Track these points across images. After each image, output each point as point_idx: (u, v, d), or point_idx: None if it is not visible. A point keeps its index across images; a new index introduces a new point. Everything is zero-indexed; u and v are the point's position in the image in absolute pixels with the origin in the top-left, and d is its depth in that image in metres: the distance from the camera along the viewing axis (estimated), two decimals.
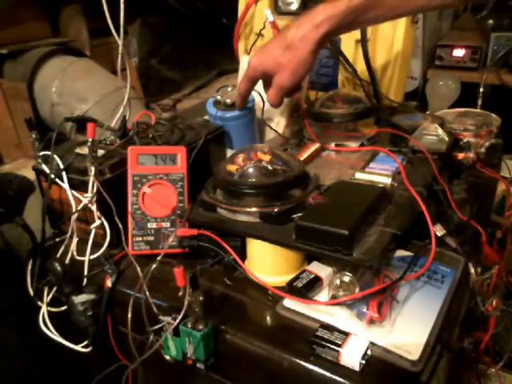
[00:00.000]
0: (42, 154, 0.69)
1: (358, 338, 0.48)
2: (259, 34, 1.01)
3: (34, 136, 0.71)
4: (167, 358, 0.57)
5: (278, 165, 0.63)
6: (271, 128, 0.89)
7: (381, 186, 0.62)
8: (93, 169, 0.64)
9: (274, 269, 0.59)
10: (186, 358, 0.54)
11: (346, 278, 0.52)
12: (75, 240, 0.68)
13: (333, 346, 0.47)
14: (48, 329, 0.64)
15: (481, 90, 1.57)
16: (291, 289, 0.54)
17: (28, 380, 0.81)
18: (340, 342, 0.48)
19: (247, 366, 0.54)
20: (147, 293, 0.55)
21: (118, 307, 0.62)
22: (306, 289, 0.54)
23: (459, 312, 0.61)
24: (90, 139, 0.66)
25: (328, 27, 0.64)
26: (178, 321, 0.52)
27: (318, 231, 0.53)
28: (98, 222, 0.65)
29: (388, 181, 0.63)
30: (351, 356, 0.47)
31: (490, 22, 1.72)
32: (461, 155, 0.76)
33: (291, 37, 0.66)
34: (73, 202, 0.66)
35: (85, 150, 0.67)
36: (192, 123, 0.82)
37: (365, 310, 0.50)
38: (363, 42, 0.94)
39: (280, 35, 0.69)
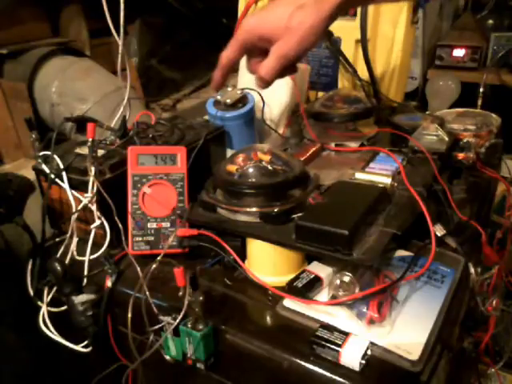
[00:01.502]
0: (42, 154, 0.69)
1: (357, 338, 0.48)
2: None
3: (33, 136, 0.71)
4: (167, 358, 0.57)
5: (278, 165, 0.63)
6: (271, 128, 0.89)
7: (381, 186, 0.62)
8: (93, 169, 0.64)
9: (274, 269, 0.59)
10: (186, 357, 0.54)
11: (346, 278, 0.52)
12: (75, 240, 0.68)
13: (333, 346, 0.47)
14: (48, 329, 0.64)
15: (481, 90, 1.57)
16: (291, 289, 0.54)
17: (28, 380, 0.81)
18: (340, 342, 0.48)
19: (247, 366, 0.54)
20: (147, 293, 0.55)
21: (118, 307, 0.62)
22: (306, 289, 0.54)
23: (459, 312, 0.61)
24: (90, 139, 0.66)
25: None
26: (178, 321, 0.52)
27: (317, 231, 0.53)
28: (97, 222, 0.65)
29: (388, 181, 0.63)
30: (351, 356, 0.47)
31: (490, 21, 1.72)
32: (461, 155, 0.76)
33: None
34: (73, 202, 0.66)
35: (85, 150, 0.67)
36: (192, 123, 0.82)
37: (365, 310, 0.50)
38: (363, 42, 0.94)
39: None
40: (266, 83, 0.56)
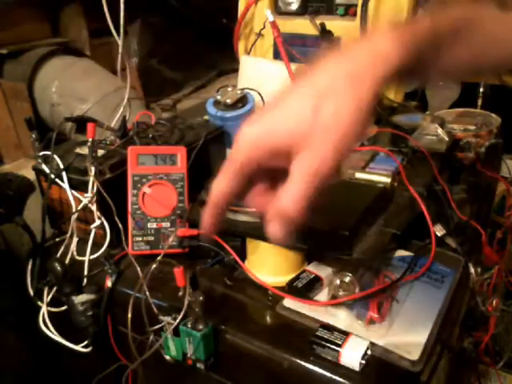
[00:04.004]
0: (41, 154, 0.69)
1: (357, 338, 0.48)
2: (259, 34, 1.01)
3: (33, 136, 0.71)
4: (167, 358, 0.57)
5: None
6: None
7: (381, 185, 0.62)
8: (93, 169, 0.64)
9: (274, 269, 0.59)
10: (186, 357, 0.54)
11: (346, 278, 0.52)
12: (75, 240, 0.68)
13: (333, 346, 0.47)
14: (48, 329, 0.64)
15: (481, 90, 1.56)
16: (291, 289, 0.54)
17: (28, 380, 0.81)
18: (340, 342, 0.47)
19: (247, 366, 0.54)
20: (147, 293, 0.55)
21: (118, 307, 0.62)
22: (305, 289, 0.54)
23: (459, 312, 0.61)
24: (90, 139, 0.66)
25: (401, 54, 0.34)
26: (177, 321, 0.52)
27: (318, 231, 0.53)
28: (97, 222, 0.65)
29: (388, 181, 0.63)
30: (351, 356, 0.47)
31: None
32: (461, 155, 0.76)
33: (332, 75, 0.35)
34: (73, 202, 0.66)
35: (85, 150, 0.67)
36: (192, 123, 0.82)
37: (365, 310, 0.50)
38: None
39: (304, 77, 0.35)
40: (291, 222, 0.33)
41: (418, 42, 0.35)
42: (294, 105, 0.35)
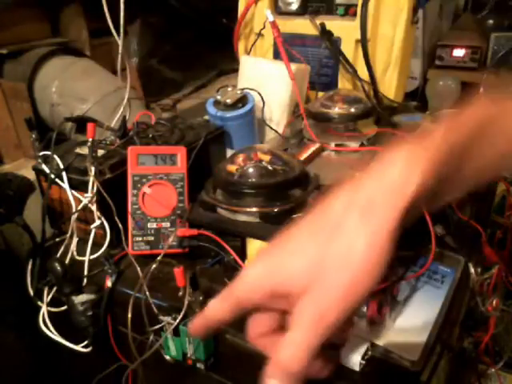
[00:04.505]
0: (41, 154, 0.69)
1: (358, 338, 0.48)
2: (259, 34, 1.01)
3: (33, 136, 0.71)
4: (167, 358, 0.57)
5: (278, 165, 0.63)
6: (271, 128, 0.89)
7: None
8: (93, 169, 0.64)
9: None
10: (186, 357, 0.54)
11: None
12: (75, 240, 0.68)
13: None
14: (48, 329, 0.64)
15: (481, 90, 1.56)
16: None
17: (28, 380, 0.81)
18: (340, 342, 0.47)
19: (247, 366, 0.54)
20: (147, 293, 0.55)
21: (118, 307, 0.62)
22: None
23: (459, 312, 0.61)
24: (90, 139, 0.66)
25: (419, 182, 0.31)
26: (177, 321, 0.52)
27: None
28: (97, 222, 0.65)
29: None
30: (351, 356, 0.47)
31: (490, 22, 1.72)
32: None
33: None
34: (73, 202, 0.66)
35: (85, 150, 0.67)
36: (192, 123, 0.82)
37: (365, 310, 0.50)
38: (363, 42, 0.94)
39: (318, 209, 0.33)
40: (292, 375, 0.31)
41: (436, 163, 0.32)
42: (305, 239, 0.32)
